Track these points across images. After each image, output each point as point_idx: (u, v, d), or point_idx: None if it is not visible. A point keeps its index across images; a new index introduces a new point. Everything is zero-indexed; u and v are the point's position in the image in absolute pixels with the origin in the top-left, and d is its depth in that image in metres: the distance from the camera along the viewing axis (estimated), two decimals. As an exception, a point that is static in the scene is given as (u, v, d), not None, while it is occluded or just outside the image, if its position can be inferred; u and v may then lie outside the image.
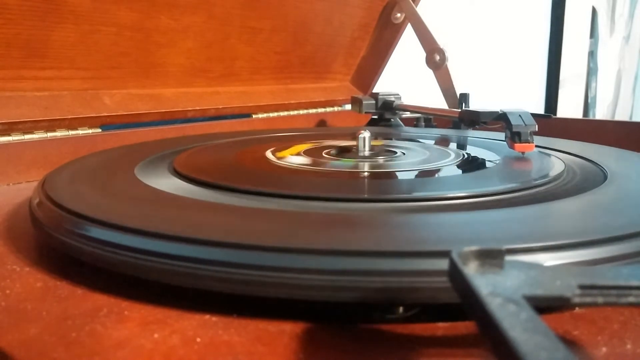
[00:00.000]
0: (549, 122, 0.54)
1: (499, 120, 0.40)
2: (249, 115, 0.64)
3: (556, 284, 0.14)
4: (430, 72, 0.67)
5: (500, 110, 0.40)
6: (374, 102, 0.62)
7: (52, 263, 0.24)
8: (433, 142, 0.48)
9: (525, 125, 0.37)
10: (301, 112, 0.70)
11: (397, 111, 0.62)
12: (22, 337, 0.18)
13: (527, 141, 0.37)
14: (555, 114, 1.49)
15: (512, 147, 0.37)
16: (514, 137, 0.37)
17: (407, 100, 0.63)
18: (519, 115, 0.38)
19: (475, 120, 0.45)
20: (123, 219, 0.22)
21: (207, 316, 0.19)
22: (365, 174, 0.34)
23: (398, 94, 0.62)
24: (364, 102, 0.62)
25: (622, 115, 2.02)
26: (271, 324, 0.18)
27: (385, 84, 0.77)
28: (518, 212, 0.24)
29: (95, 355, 0.16)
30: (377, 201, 0.27)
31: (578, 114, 1.84)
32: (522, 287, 0.14)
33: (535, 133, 0.38)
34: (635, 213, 0.23)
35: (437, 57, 0.66)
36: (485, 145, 0.43)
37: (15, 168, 0.43)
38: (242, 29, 0.58)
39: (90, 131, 0.49)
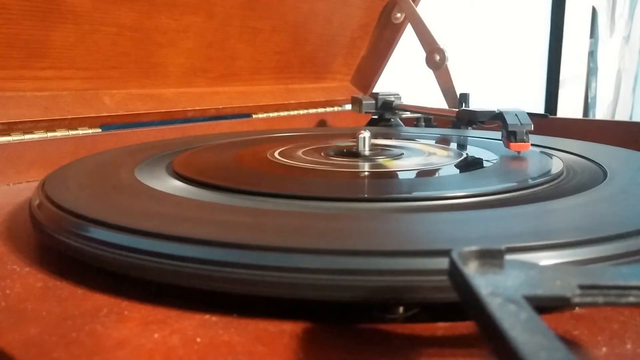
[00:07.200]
0: (549, 122, 0.55)
1: (495, 119, 0.40)
2: (249, 115, 0.64)
3: (556, 284, 0.14)
4: (430, 72, 0.67)
5: (497, 110, 0.40)
6: (374, 102, 0.62)
7: (52, 263, 0.24)
8: (433, 142, 0.48)
9: (521, 124, 0.37)
10: (301, 112, 0.70)
11: (397, 111, 0.62)
12: (22, 337, 0.18)
13: (522, 140, 0.37)
14: (555, 114, 1.49)
15: (507, 146, 0.37)
16: (510, 136, 0.37)
17: (407, 100, 0.63)
18: (515, 115, 0.38)
19: (473, 119, 0.45)
20: (123, 219, 0.22)
21: (207, 316, 0.19)
22: (365, 173, 0.34)
23: (398, 94, 0.62)
24: (364, 102, 0.62)
25: (622, 115, 2.02)
26: (271, 324, 0.18)
27: (385, 84, 0.77)
28: (518, 210, 0.24)
29: (95, 355, 0.16)
30: (377, 201, 0.27)
31: (578, 114, 1.84)
32: (522, 287, 0.14)
33: (534, 132, 0.38)
34: (635, 211, 0.23)
35: (437, 57, 0.66)
36: (484, 145, 0.43)
37: (15, 168, 0.43)
38: (242, 29, 0.58)
39: (90, 131, 0.49)
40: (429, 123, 0.67)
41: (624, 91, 2.01)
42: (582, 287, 0.14)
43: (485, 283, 0.13)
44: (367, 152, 0.39)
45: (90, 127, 0.49)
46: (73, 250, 0.23)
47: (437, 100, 0.66)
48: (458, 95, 0.65)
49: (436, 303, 0.18)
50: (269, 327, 0.18)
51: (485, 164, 0.37)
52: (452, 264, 0.15)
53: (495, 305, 0.12)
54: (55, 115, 0.45)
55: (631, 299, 0.14)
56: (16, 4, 0.41)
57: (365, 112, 0.62)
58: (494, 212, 0.24)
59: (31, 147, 0.44)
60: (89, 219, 0.23)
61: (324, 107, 0.73)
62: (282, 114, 0.67)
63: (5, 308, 0.20)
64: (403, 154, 0.39)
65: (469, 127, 0.58)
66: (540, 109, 1.68)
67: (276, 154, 0.39)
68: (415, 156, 0.39)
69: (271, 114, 0.66)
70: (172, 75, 0.55)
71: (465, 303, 0.14)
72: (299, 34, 0.65)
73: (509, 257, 0.15)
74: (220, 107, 0.60)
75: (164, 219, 0.23)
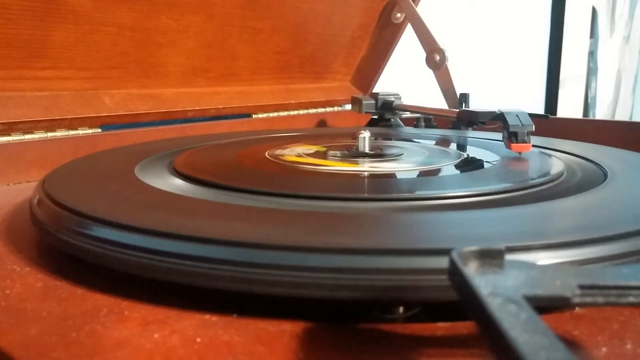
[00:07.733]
0: (549, 122, 0.54)
1: (496, 120, 0.40)
2: (249, 115, 0.64)
3: (556, 284, 0.14)
4: (430, 72, 0.67)
5: (498, 110, 0.40)
6: (374, 102, 0.62)
7: (52, 263, 0.24)
8: (433, 142, 0.48)
9: (522, 125, 0.37)
10: (301, 112, 0.70)
11: (397, 111, 0.62)
12: (22, 337, 0.18)
13: (524, 141, 0.37)
14: (555, 114, 1.49)
15: (509, 147, 0.37)
16: (511, 137, 0.37)
17: (407, 100, 0.63)
18: (517, 115, 0.38)
19: (473, 120, 0.45)
20: (123, 217, 0.22)
21: (207, 316, 0.19)
22: (365, 173, 0.34)
23: (398, 94, 0.62)
24: (364, 102, 0.62)
25: (622, 115, 2.02)
26: (271, 324, 0.18)
27: (385, 84, 0.77)
28: (518, 210, 0.24)
29: (95, 355, 0.16)
30: (377, 200, 0.27)
31: (578, 114, 1.84)
32: (522, 287, 0.14)
33: (534, 133, 0.38)
34: (635, 211, 0.23)
35: (437, 57, 0.66)
36: (484, 146, 0.43)
37: (15, 168, 0.43)
38: (242, 29, 0.58)
39: (90, 131, 0.49)
40: (429, 123, 0.66)
41: (624, 91, 2.01)
42: (582, 287, 0.14)
43: (485, 283, 0.13)
44: (367, 152, 0.39)
45: (90, 127, 0.49)
46: (72, 248, 0.23)
47: (437, 100, 0.66)
48: (458, 96, 0.65)
49: (436, 302, 0.18)
50: (269, 327, 0.18)
51: (485, 164, 0.37)
52: (452, 263, 0.15)
53: (495, 305, 0.12)
54: (55, 115, 0.46)
55: (631, 299, 0.14)
56: (16, 4, 0.41)
57: (365, 112, 0.62)
58: (494, 212, 0.24)
59: (31, 147, 0.44)
60: (89, 216, 0.23)
61: (324, 107, 0.73)
62: (282, 114, 0.67)
63: (5, 308, 0.20)
64: (403, 154, 0.39)
65: (470, 128, 0.58)
66: (540, 109, 1.68)
67: (276, 154, 0.39)
68: (416, 156, 0.39)
69: (271, 114, 0.66)
70: (172, 75, 0.55)
71: (465, 303, 0.14)
72: (299, 34, 0.65)
73: (509, 257, 0.15)
74: (220, 107, 0.60)
75: (164, 216, 0.23)
